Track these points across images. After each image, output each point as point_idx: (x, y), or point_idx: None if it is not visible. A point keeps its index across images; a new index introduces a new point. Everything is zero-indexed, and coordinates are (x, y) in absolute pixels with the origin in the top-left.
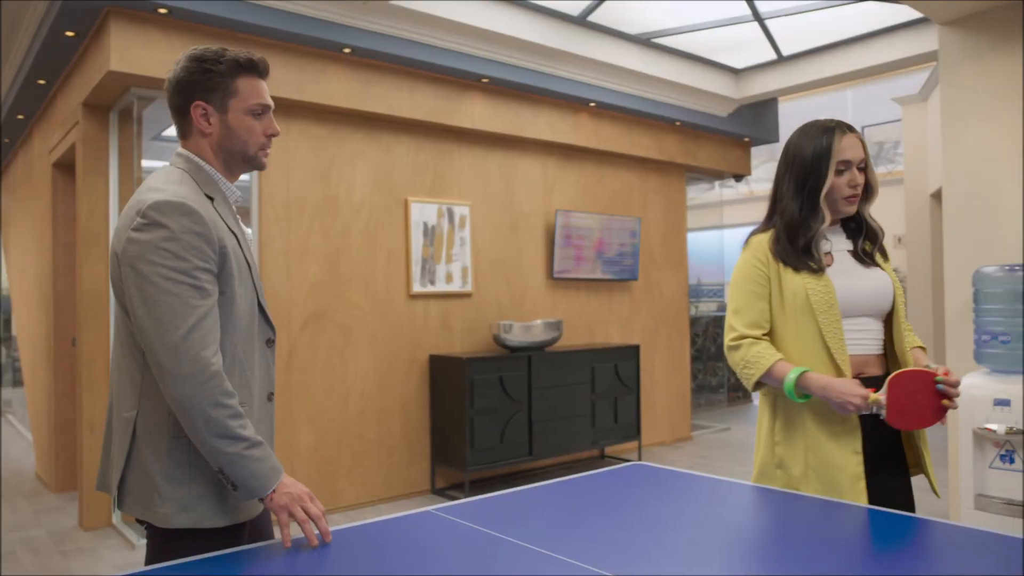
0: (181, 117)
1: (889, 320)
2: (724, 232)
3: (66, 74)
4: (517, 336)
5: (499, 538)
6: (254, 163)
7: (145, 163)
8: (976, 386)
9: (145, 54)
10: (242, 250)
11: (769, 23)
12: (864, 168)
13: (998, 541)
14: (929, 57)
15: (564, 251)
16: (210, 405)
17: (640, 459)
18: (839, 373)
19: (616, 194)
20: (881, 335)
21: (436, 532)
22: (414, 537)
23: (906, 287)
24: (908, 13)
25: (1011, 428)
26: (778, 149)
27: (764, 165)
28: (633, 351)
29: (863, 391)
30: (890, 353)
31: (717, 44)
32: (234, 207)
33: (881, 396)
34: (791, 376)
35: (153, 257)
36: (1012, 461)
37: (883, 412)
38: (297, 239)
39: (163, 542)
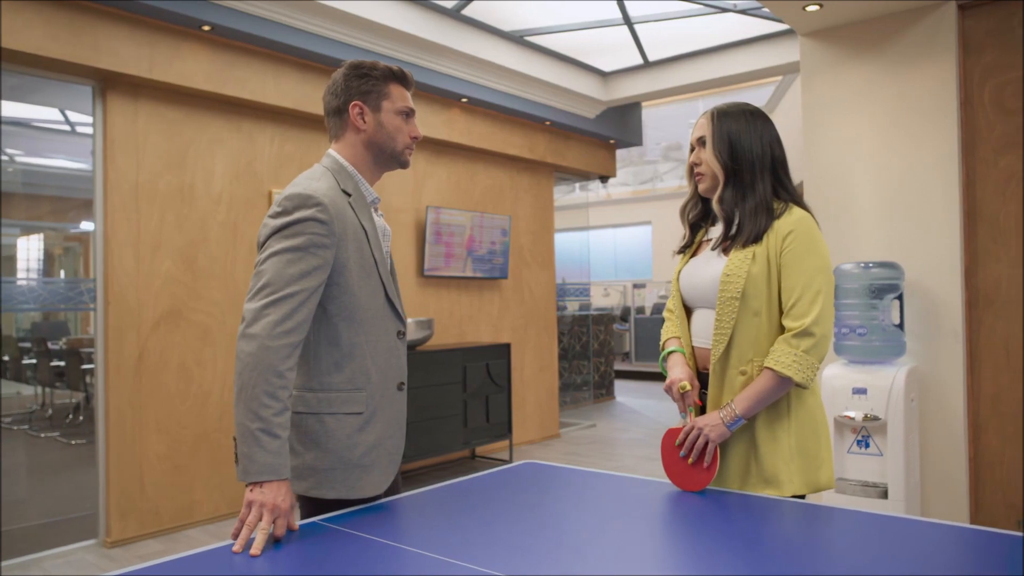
0: (338, 118)
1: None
2: (590, 233)
3: None
4: None
5: (395, 547)
6: (399, 158)
7: None
8: (835, 376)
9: None
10: (370, 246)
11: (638, 28)
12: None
13: (998, 540)
14: (784, 69)
15: (435, 248)
16: (256, 371)
17: (511, 458)
18: (692, 359)
19: (487, 192)
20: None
21: (325, 544)
22: (303, 551)
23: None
24: (768, 27)
25: (867, 415)
26: (644, 151)
27: (625, 168)
28: (504, 349)
29: (670, 379)
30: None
31: (587, 46)
32: (374, 206)
33: (690, 388)
34: (661, 356)
35: (273, 236)
36: (868, 446)
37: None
38: (147, 231)
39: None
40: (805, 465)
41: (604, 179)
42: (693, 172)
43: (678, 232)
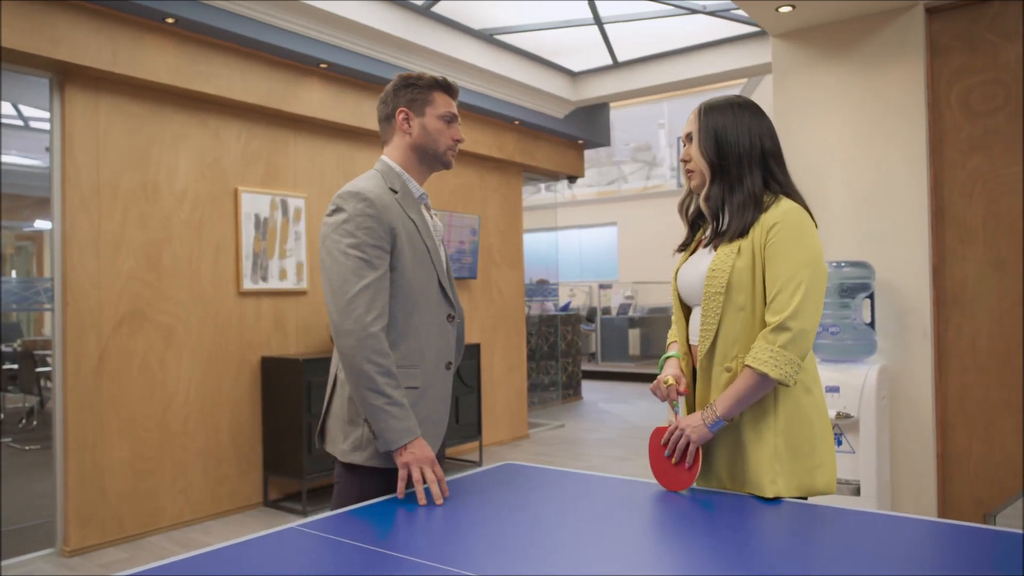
0: (388, 124)
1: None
2: (559, 234)
3: None
4: None
5: (380, 553)
6: (442, 159)
7: None
8: None
9: None
10: (421, 236)
11: (608, 28)
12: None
13: (997, 539)
14: (751, 71)
15: None
16: (363, 360)
17: (481, 460)
18: (688, 357)
19: (456, 191)
20: None
21: (307, 550)
22: (284, 557)
23: None
24: (736, 29)
25: (840, 413)
26: (612, 152)
27: (590, 169)
28: (474, 350)
29: (656, 379)
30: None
31: (556, 45)
32: (422, 203)
33: (673, 382)
34: (661, 359)
35: (333, 235)
36: (841, 444)
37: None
38: (109, 229)
39: (345, 474)
40: (795, 467)
41: (572, 179)
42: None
43: (644, 233)
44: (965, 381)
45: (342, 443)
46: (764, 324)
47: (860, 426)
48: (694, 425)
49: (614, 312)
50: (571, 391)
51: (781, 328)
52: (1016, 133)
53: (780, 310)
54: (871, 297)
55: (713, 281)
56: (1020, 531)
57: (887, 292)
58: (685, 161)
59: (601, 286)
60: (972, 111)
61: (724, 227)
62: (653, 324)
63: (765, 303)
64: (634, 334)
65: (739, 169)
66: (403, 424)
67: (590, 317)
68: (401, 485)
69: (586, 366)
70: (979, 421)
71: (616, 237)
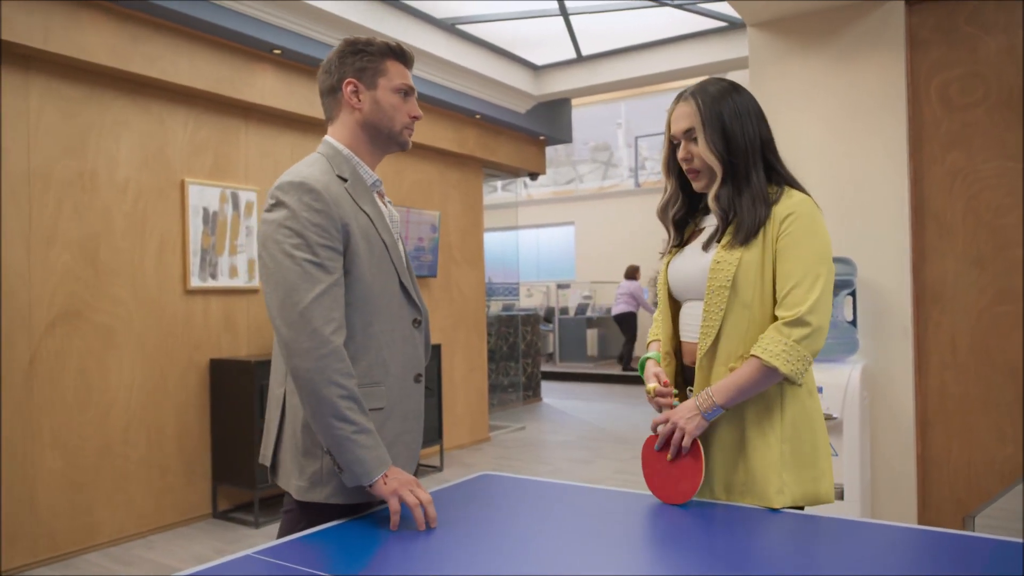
0: (332, 97)
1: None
2: (520, 233)
3: None
4: None
5: None
6: (398, 139)
7: None
8: None
9: None
10: (377, 230)
11: (573, 20)
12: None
13: (996, 544)
14: (716, 67)
15: None
16: (324, 382)
17: (442, 464)
18: (672, 357)
19: (415, 186)
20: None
21: None
22: None
23: None
24: (701, 23)
25: (824, 415)
26: (572, 151)
27: (547, 168)
28: (435, 351)
29: (650, 381)
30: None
31: (519, 38)
32: (375, 191)
33: (651, 387)
34: (641, 360)
35: (277, 236)
36: None
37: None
38: (42, 221)
39: (300, 512)
40: (801, 475)
41: (534, 176)
42: (670, 168)
43: (601, 233)
44: (944, 378)
45: (297, 479)
46: (771, 322)
47: (843, 428)
48: (688, 415)
49: (572, 312)
50: (531, 392)
51: (799, 323)
52: (995, 128)
53: (797, 304)
54: (853, 294)
55: (718, 274)
56: (1003, 538)
57: (867, 289)
58: (686, 160)
59: (559, 286)
60: (951, 105)
61: (735, 229)
62: (611, 324)
63: (774, 300)
64: (592, 334)
65: (746, 164)
66: (374, 454)
67: (548, 317)
68: (395, 518)
69: (544, 367)
70: (958, 420)
71: (573, 237)
